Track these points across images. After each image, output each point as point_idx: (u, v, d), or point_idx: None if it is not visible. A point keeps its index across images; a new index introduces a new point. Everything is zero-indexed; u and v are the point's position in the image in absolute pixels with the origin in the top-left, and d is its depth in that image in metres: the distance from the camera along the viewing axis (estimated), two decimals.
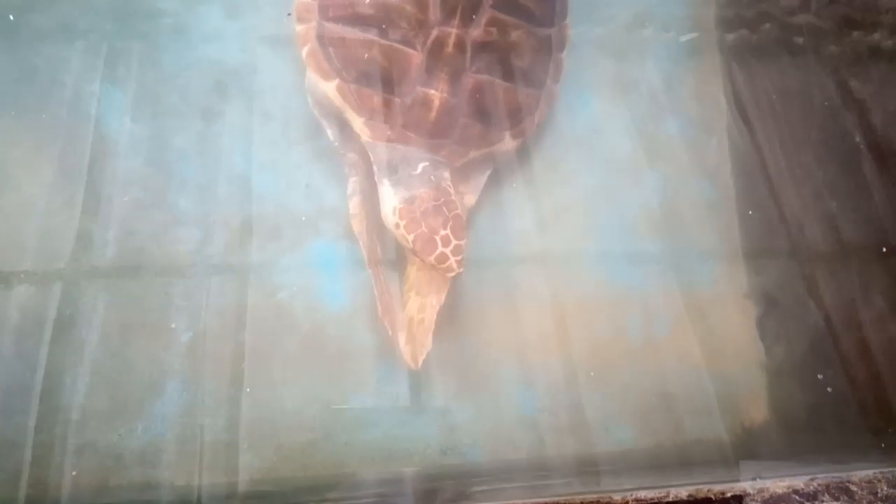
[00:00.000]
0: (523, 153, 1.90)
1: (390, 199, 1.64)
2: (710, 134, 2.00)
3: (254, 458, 1.59)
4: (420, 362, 1.64)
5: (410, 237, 1.58)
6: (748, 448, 1.71)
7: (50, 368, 1.60)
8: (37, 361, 1.60)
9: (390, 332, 1.65)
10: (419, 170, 1.64)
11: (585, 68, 1.98)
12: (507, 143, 1.75)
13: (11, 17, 1.84)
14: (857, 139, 1.97)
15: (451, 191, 1.64)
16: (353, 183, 1.74)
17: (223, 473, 1.57)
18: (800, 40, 2.11)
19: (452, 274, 1.58)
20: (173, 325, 1.68)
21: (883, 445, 1.73)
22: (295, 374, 1.68)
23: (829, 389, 1.75)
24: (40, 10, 1.85)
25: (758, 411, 1.75)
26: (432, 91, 1.64)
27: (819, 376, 1.77)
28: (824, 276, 1.89)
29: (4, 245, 1.69)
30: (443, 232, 1.57)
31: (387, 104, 1.64)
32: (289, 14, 1.74)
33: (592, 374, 1.74)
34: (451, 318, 1.74)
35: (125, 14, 1.88)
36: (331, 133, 1.76)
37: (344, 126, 1.73)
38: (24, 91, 1.79)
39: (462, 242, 1.58)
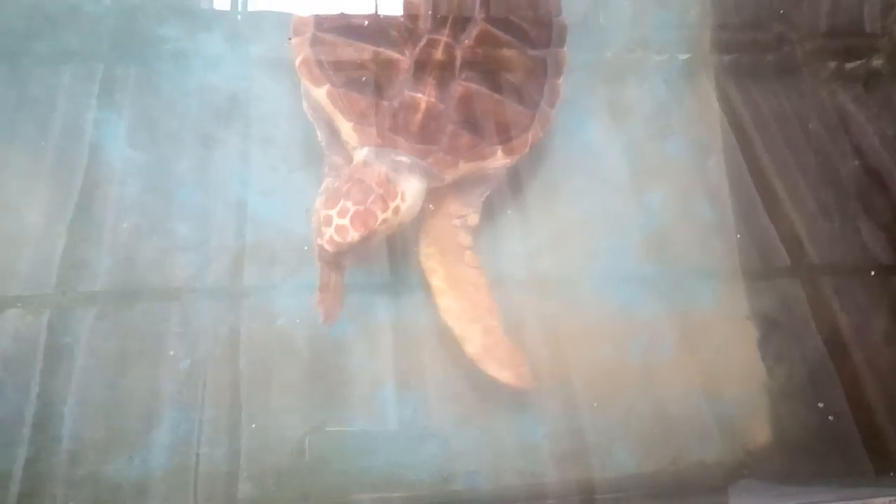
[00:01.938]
0: (521, 176, 1.90)
1: None
2: (708, 155, 2.01)
3: (253, 487, 1.58)
4: (531, 378, 1.63)
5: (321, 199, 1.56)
6: (751, 471, 1.70)
7: (45, 397, 1.59)
8: (31, 390, 1.59)
9: (321, 319, 1.63)
10: (408, 161, 1.62)
11: (582, 92, 1.99)
12: (500, 160, 1.72)
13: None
14: (856, 162, 1.99)
15: (392, 193, 1.57)
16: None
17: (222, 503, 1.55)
18: (796, 63, 2.13)
19: (320, 243, 1.52)
20: (172, 353, 1.67)
21: (892, 474, 1.72)
22: (295, 402, 1.67)
23: (830, 418, 1.75)
24: (40, 37, 1.86)
25: (761, 434, 1.74)
26: (419, 95, 1.64)
27: (820, 404, 1.76)
28: (826, 298, 1.89)
29: (3, 270, 1.68)
30: (348, 205, 1.51)
31: (375, 108, 1.64)
32: (289, 39, 1.76)
33: (595, 400, 1.73)
34: (450, 341, 1.73)
35: (125, 41, 1.89)
36: (320, 136, 1.77)
37: (333, 132, 1.73)
38: (22, 117, 1.80)
39: (349, 226, 1.50)
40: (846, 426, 1.75)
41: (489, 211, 1.84)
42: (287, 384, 1.68)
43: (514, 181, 1.90)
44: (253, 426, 1.63)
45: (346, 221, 1.50)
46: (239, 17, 1.95)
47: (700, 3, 2.16)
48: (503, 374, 1.62)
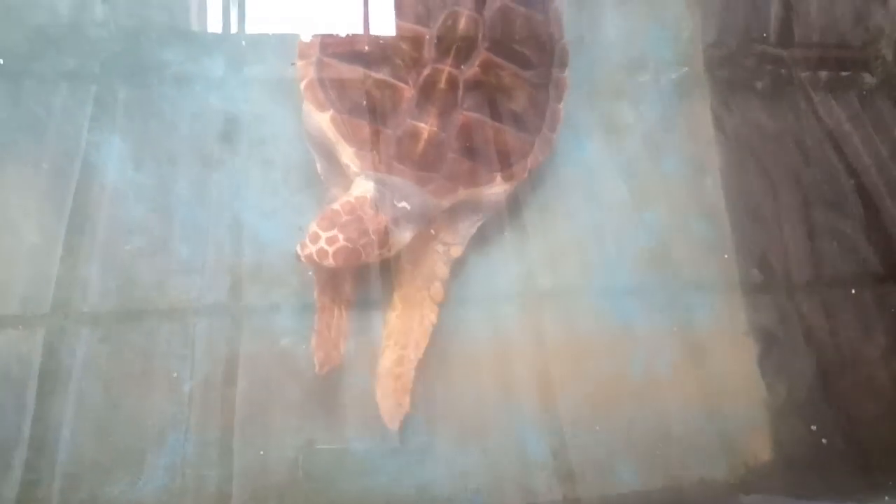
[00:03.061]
0: (518, 194, 1.92)
1: None
2: (704, 174, 2.04)
3: None
4: (398, 425, 1.63)
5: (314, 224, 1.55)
6: (752, 487, 1.71)
7: (44, 419, 1.59)
8: (29, 412, 1.59)
9: (317, 369, 1.61)
10: (409, 208, 1.64)
11: (579, 111, 2.01)
12: (498, 186, 1.74)
13: (1, 62, 1.86)
14: (851, 181, 2.01)
15: (383, 243, 1.60)
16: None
17: None
18: (790, 83, 2.16)
19: (298, 252, 1.53)
20: (175, 374, 1.67)
21: (891, 484, 1.73)
22: (297, 422, 1.67)
23: (823, 441, 1.75)
24: (43, 59, 1.87)
25: (761, 449, 1.75)
26: (422, 124, 1.66)
27: (813, 427, 1.77)
28: (823, 313, 1.91)
29: (2, 292, 1.68)
30: (339, 237, 1.53)
31: (377, 135, 1.66)
32: (293, 63, 1.78)
33: (596, 417, 1.74)
34: (451, 360, 1.75)
35: (128, 64, 1.90)
36: (319, 166, 1.78)
37: (332, 161, 1.75)
38: (25, 140, 1.80)
39: (331, 256, 1.51)
40: (845, 442, 1.76)
41: (487, 228, 1.85)
42: (288, 405, 1.68)
43: (512, 199, 1.91)
44: (253, 447, 1.63)
45: (330, 249, 1.52)
46: (243, 42, 1.97)
47: (694, 22, 2.19)
48: (382, 403, 1.64)
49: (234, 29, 1.97)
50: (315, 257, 1.52)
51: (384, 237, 1.59)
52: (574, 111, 1.97)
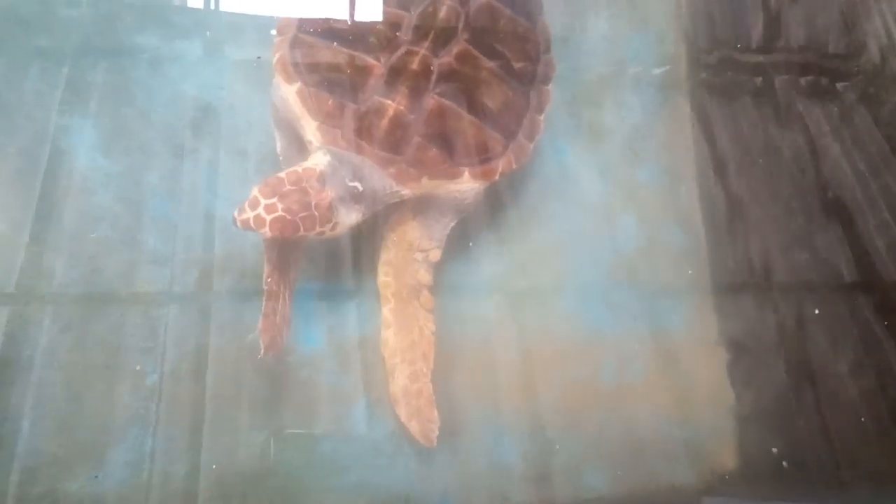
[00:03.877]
0: (496, 196, 1.91)
1: None
2: (680, 182, 2.05)
3: None
4: (434, 441, 1.61)
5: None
6: (719, 494, 1.72)
7: (2, 411, 1.54)
8: None
9: (261, 353, 1.57)
10: (361, 188, 1.59)
11: (559, 115, 2.02)
12: (466, 182, 1.68)
13: None
14: (829, 194, 2.03)
15: (325, 220, 1.54)
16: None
17: None
18: (772, 92, 2.18)
19: (235, 215, 1.47)
20: (138, 367, 1.63)
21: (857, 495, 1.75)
22: (264, 419, 1.64)
23: (784, 464, 1.77)
24: (12, 39, 1.82)
25: (728, 458, 1.77)
26: (388, 101, 1.61)
27: (774, 450, 1.78)
28: (794, 324, 1.93)
29: None
30: (278, 205, 1.48)
31: (342, 109, 1.61)
32: (259, 57, 1.77)
33: (566, 421, 1.74)
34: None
35: (101, 48, 1.86)
36: (279, 145, 1.74)
37: (293, 140, 1.71)
38: None
39: (267, 224, 1.46)
40: (811, 452, 1.78)
41: (464, 230, 1.84)
42: (256, 400, 1.65)
43: (490, 201, 1.90)
44: (220, 443, 1.60)
45: (268, 217, 1.47)
46: (220, 27, 1.93)
47: (678, 29, 2.20)
48: (412, 424, 1.62)
49: (211, 14, 1.93)
50: (251, 223, 1.46)
51: (327, 213, 1.53)
52: (555, 115, 1.97)
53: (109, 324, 1.66)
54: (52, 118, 1.78)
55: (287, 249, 1.65)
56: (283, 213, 1.47)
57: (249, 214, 1.46)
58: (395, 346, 1.65)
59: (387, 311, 1.68)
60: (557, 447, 1.71)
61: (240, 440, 1.61)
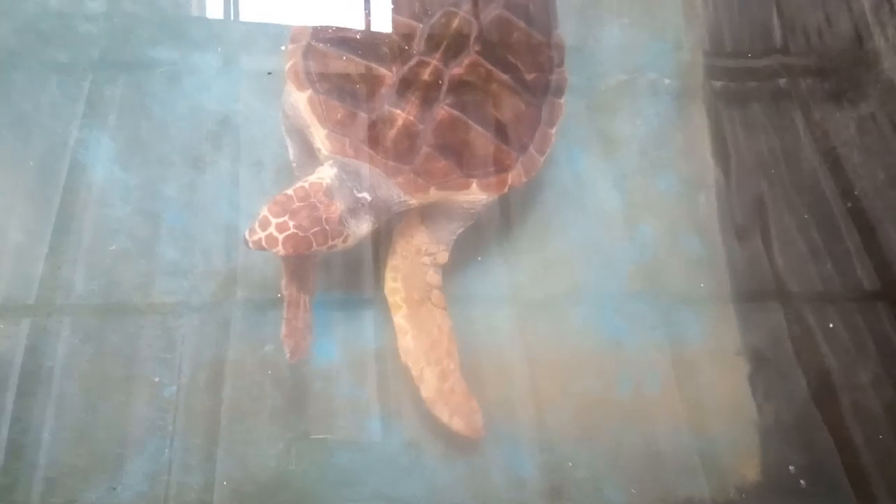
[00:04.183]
0: (510, 206, 1.90)
1: None
2: (698, 190, 2.02)
3: None
4: (482, 428, 1.61)
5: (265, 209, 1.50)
6: None
7: (23, 421, 1.56)
8: (7, 414, 1.56)
9: (288, 356, 1.59)
10: (370, 199, 1.59)
11: (574, 123, 2.00)
12: (473, 193, 1.67)
13: None
14: (848, 204, 2.00)
15: (337, 234, 1.54)
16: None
17: None
18: (789, 100, 2.15)
19: (246, 237, 1.47)
20: (156, 379, 1.64)
21: None
22: (280, 431, 1.64)
23: (802, 483, 1.74)
24: (32, 54, 1.84)
25: (750, 471, 1.74)
26: (397, 111, 1.61)
27: (791, 468, 1.75)
28: (815, 335, 1.90)
29: None
30: (290, 224, 1.48)
31: (351, 119, 1.61)
32: (269, 73, 1.80)
33: (583, 434, 1.72)
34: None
35: (118, 62, 1.88)
36: (292, 153, 1.75)
37: (305, 148, 1.71)
38: (12, 137, 1.78)
39: (280, 243, 1.46)
40: (833, 466, 1.75)
41: (477, 240, 1.83)
42: (271, 412, 1.65)
43: (504, 211, 1.90)
44: (235, 455, 1.61)
45: (280, 236, 1.47)
46: (235, 40, 1.94)
47: (694, 36, 2.19)
48: (454, 421, 1.60)
49: (226, 27, 1.95)
50: (263, 244, 1.46)
51: (338, 227, 1.53)
52: (570, 123, 1.95)
53: (127, 335, 1.67)
54: (71, 131, 1.80)
55: (304, 259, 1.66)
56: (295, 231, 1.47)
57: (261, 235, 1.46)
58: (416, 351, 1.63)
59: (400, 318, 1.66)
60: (573, 461, 1.70)
61: (256, 451, 1.62)
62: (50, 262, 1.69)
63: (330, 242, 1.53)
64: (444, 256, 1.73)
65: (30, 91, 1.81)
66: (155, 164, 1.81)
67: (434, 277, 1.72)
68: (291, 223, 1.47)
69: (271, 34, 1.85)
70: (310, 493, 1.60)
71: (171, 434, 1.60)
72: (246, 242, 1.48)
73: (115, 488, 1.55)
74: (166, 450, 1.59)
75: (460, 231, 1.76)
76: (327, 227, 1.51)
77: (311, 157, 1.70)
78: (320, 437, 1.65)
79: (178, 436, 1.61)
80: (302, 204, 1.50)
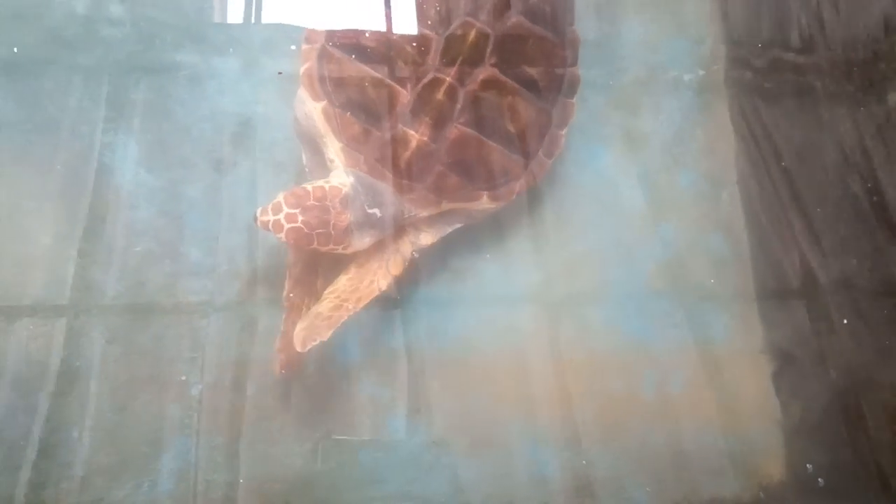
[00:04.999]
0: (534, 204, 1.90)
1: None
2: (722, 187, 2.00)
3: None
4: (307, 348, 1.53)
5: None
6: None
7: (54, 421, 1.59)
8: (40, 413, 1.59)
9: (277, 370, 1.61)
10: (379, 215, 1.63)
11: (596, 121, 1.99)
12: (484, 204, 1.72)
13: (16, 50, 1.86)
14: (874, 198, 1.96)
15: (339, 240, 1.57)
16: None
17: None
18: (813, 95, 2.11)
19: (255, 213, 1.52)
20: (183, 378, 1.66)
21: None
22: (304, 430, 1.66)
23: (820, 481, 1.72)
24: (58, 60, 1.87)
25: (775, 470, 1.72)
26: (412, 132, 1.64)
27: (808, 466, 1.74)
28: (840, 333, 1.87)
29: (15, 293, 1.68)
30: (299, 217, 1.52)
31: (366, 135, 1.64)
32: (280, 73, 1.84)
33: (607, 433, 1.72)
34: (462, 367, 1.73)
35: (142, 66, 1.90)
36: (305, 156, 1.78)
37: (317, 153, 1.74)
38: (41, 141, 1.80)
39: (284, 232, 1.51)
40: (859, 465, 1.73)
41: (502, 238, 1.83)
42: (295, 411, 1.67)
43: (528, 209, 1.89)
44: (259, 453, 1.63)
45: (286, 225, 1.52)
46: (256, 43, 1.96)
47: (716, 32, 2.16)
48: (298, 330, 1.56)
49: (246, 31, 1.96)
50: (269, 226, 1.52)
51: (342, 235, 1.57)
52: (591, 121, 1.95)
53: (154, 335, 1.69)
54: (97, 135, 1.82)
55: (311, 262, 1.69)
56: (301, 226, 1.52)
57: (270, 217, 1.52)
58: (338, 286, 1.65)
59: (353, 265, 1.69)
60: (597, 459, 1.69)
61: (281, 450, 1.64)
62: (79, 263, 1.72)
63: (330, 246, 1.57)
64: (427, 238, 1.75)
65: (57, 96, 1.84)
66: (178, 166, 1.83)
67: (406, 248, 1.72)
68: (300, 217, 1.52)
69: (291, 38, 1.86)
70: (334, 492, 1.62)
71: (197, 432, 1.62)
72: (255, 219, 1.52)
73: (142, 486, 1.57)
74: (193, 448, 1.61)
75: (458, 225, 1.77)
76: (332, 233, 1.55)
77: (321, 162, 1.73)
78: (344, 436, 1.66)
79: (205, 434, 1.63)
80: (316, 203, 1.55)
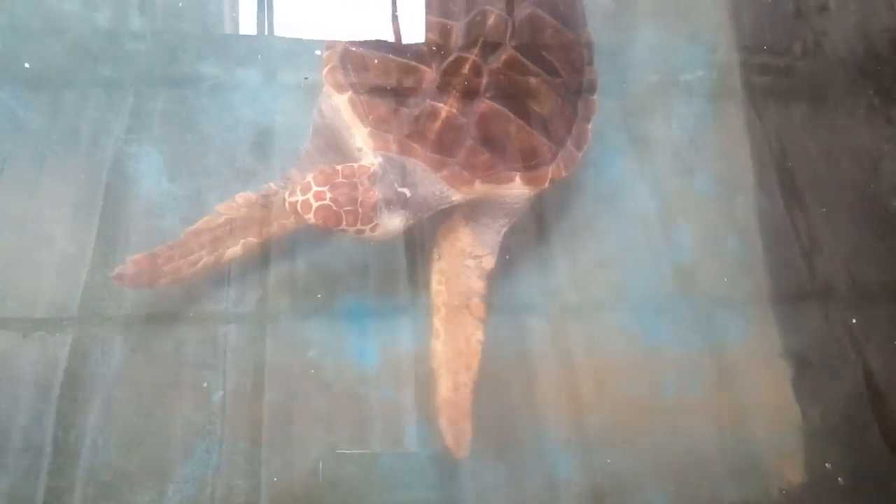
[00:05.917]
0: (548, 210, 1.91)
1: None
2: (737, 191, 2.01)
3: None
4: (465, 451, 1.58)
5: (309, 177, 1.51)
6: None
7: (76, 427, 1.60)
8: (63, 420, 1.61)
9: (114, 272, 1.59)
10: (409, 195, 1.59)
11: (610, 127, 2.00)
12: (517, 187, 1.67)
13: (27, 65, 1.89)
14: (893, 202, 1.96)
15: (367, 220, 1.53)
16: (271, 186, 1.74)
17: None
18: (829, 100, 2.12)
19: (284, 196, 1.52)
20: (205, 384, 1.68)
21: None
22: (325, 435, 1.67)
23: (839, 480, 1.71)
24: (81, 71, 1.91)
25: (795, 475, 1.72)
26: (440, 104, 1.62)
27: (827, 465, 1.73)
28: (859, 337, 1.86)
29: (39, 301, 1.71)
30: (327, 195, 1.49)
31: (394, 114, 1.62)
32: (305, 78, 1.84)
33: (624, 439, 1.72)
34: (478, 377, 1.73)
35: (164, 78, 1.93)
36: (305, 148, 1.76)
37: (326, 148, 1.74)
38: (64, 152, 1.83)
39: (313, 211, 1.47)
40: (880, 469, 1.71)
41: (515, 244, 1.83)
42: (315, 416, 1.68)
43: (541, 215, 1.90)
44: (280, 458, 1.63)
45: (315, 203, 1.47)
46: (277, 53, 1.99)
47: (729, 38, 2.17)
48: (447, 433, 1.59)
49: (268, 41, 1.99)
50: (298, 207, 1.48)
51: (370, 213, 1.52)
52: (606, 126, 1.96)
53: (176, 342, 1.71)
54: (120, 145, 1.85)
55: (239, 232, 1.68)
56: (330, 203, 1.48)
57: (299, 198, 1.48)
58: (440, 356, 1.65)
59: (436, 321, 1.68)
60: (615, 465, 1.69)
61: (301, 455, 1.64)
62: (98, 271, 1.74)
63: (359, 226, 1.52)
64: (489, 261, 1.73)
65: (81, 107, 1.87)
66: (201, 175, 1.86)
67: (477, 284, 1.71)
68: (329, 195, 1.48)
69: (311, 49, 1.88)
70: (352, 498, 1.62)
71: (219, 439, 1.63)
72: (283, 201, 1.51)
73: (164, 492, 1.58)
74: (214, 454, 1.62)
75: (504, 231, 1.76)
76: (360, 210, 1.51)
77: (322, 155, 1.73)
78: (363, 441, 1.67)
79: (226, 440, 1.64)
80: (345, 181, 1.51)
